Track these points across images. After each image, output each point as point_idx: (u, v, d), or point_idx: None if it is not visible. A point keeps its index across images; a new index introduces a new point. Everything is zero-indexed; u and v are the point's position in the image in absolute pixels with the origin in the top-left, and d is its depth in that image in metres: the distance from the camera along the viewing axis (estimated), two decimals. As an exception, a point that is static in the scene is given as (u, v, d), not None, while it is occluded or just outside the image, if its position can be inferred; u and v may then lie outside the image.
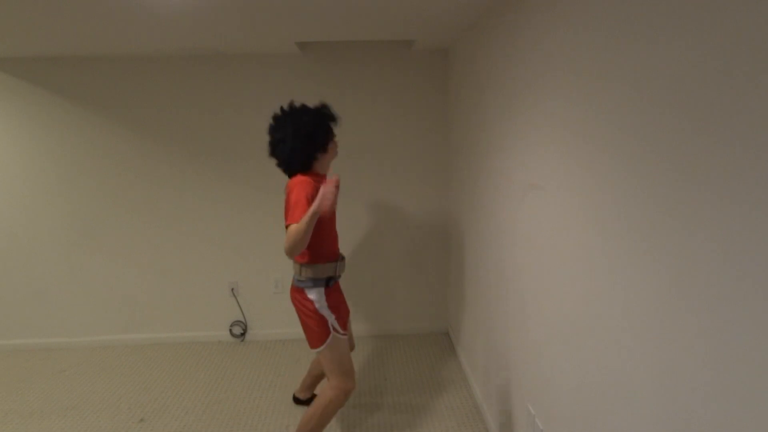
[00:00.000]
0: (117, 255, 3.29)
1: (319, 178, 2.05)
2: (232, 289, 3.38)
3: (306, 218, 1.83)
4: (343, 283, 2.34)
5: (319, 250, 2.07)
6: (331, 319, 2.08)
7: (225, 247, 3.32)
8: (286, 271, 3.34)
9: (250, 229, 3.30)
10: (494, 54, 2.04)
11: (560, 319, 1.47)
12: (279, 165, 2.10)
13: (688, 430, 0.91)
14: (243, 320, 3.41)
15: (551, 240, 1.52)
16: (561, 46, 1.39)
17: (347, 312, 2.26)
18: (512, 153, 1.86)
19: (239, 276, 3.36)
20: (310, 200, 1.92)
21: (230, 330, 3.42)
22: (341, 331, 2.10)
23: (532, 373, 1.73)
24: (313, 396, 2.59)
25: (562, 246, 1.44)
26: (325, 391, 2.10)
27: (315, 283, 2.07)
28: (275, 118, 2.08)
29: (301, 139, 2.01)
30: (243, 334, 3.42)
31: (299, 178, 1.98)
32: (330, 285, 2.11)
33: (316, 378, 2.53)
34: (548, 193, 1.53)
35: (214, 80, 3.12)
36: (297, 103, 2.10)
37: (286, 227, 1.91)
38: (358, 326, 3.36)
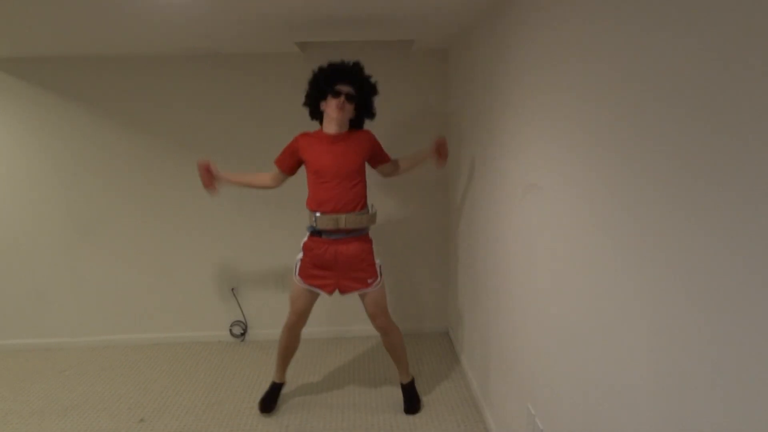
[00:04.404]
0: (117, 255, 3.29)
1: (324, 136, 2.30)
2: (232, 289, 3.37)
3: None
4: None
5: (309, 197, 2.33)
6: (297, 260, 2.35)
7: (225, 247, 3.32)
8: (287, 271, 3.34)
9: (250, 229, 3.30)
10: (494, 53, 2.04)
11: (561, 319, 1.47)
12: None
13: (691, 429, 0.91)
14: (243, 320, 3.41)
15: (552, 239, 1.52)
16: (561, 43, 1.39)
17: (348, 277, 2.34)
18: (512, 152, 1.85)
19: (239, 276, 3.36)
20: (290, 152, 2.34)
21: (230, 330, 3.42)
22: (297, 278, 2.35)
23: (532, 373, 1.73)
24: (413, 379, 2.61)
25: (563, 245, 1.44)
26: None
27: (308, 227, 2.35)
28: None
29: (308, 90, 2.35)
30: (243, 334, 3.42)
31: (305, 132, 2.36)
32: (319, 235, 2.29)
33: (397, 359, 2.57)
34: (549, 192, 1.53)
35: (214, 80, 3.12)
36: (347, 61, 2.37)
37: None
38: (357, 326, 3.36)
